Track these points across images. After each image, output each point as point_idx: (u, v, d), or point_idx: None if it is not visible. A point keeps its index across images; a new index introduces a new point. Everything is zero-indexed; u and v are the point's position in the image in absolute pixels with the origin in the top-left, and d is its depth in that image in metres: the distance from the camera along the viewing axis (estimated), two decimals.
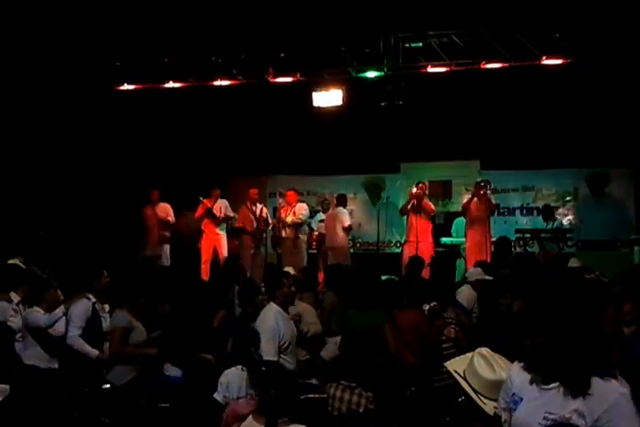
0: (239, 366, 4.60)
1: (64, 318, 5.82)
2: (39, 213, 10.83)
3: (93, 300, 5.94)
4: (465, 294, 7.30)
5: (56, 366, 5.84)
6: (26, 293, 6.31)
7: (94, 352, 5.75)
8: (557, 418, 2.41)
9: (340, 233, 11.26)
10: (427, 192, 11.16)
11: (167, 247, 11.68)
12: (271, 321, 5.51)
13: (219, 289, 7.20)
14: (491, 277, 7.43)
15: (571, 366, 2.44)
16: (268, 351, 5.36)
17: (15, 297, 6.37)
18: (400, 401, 4.84)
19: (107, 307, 6.13)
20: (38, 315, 5.88)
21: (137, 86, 11.10)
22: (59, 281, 6.38)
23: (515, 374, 2.65)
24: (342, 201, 11.61)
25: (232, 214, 11.61)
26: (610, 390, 2.40)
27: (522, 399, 2.56)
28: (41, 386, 5.58)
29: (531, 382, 2.56)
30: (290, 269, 7.23)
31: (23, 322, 5.94)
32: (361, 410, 4.47)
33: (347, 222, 11.30)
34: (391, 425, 4.58)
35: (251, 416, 3.66)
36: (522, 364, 2.64)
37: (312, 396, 4.98)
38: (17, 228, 10.23)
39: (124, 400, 5.22)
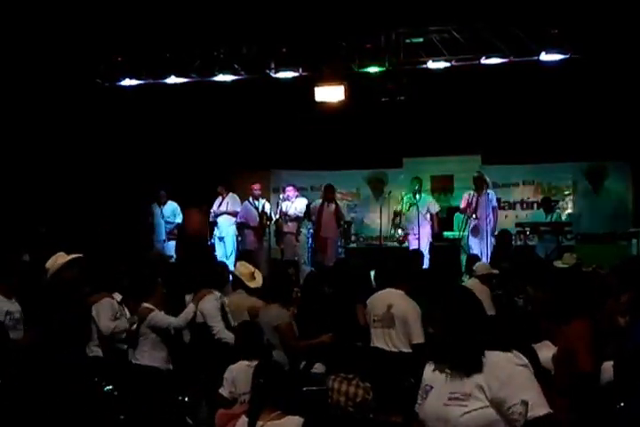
0: (244, 362, 4.51)
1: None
2: (42, 210, 10.88)
3: (218, 294, 5.98)
4: (478, 290, 7.24)
5: (171, 366, 5.69)
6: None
7: None
8: (459, 395, 2.56)
9: None
10: None
11: (172, 244, 11.89)
12: (416, 305, 5.43)
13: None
14: (497, 271, 7.55)
15: (459, 346, 2.61)
16: (420, 335, 5.28)
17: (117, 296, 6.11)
18: (398, 391, 4.89)
19: (226, 300, 6.13)
20: (165, 316, 5.74)
21: (139, 82, 11.16)
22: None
23: (426, 368, 2.79)
24: None
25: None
26: (504, 363, 2.57)
27: (432, 388, 2.70)
28: (163, 388, 5.47)
29: (438, 371, 2.71)
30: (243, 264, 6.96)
31: (147, 322, 5.69)
32: (358, 400, 4.52)
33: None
34: (389, 415, 4.64)
35: (244, 415, 3.57)
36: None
37: (313, 388, 4.98)
38: (19, 224, 10.28)
39: None
